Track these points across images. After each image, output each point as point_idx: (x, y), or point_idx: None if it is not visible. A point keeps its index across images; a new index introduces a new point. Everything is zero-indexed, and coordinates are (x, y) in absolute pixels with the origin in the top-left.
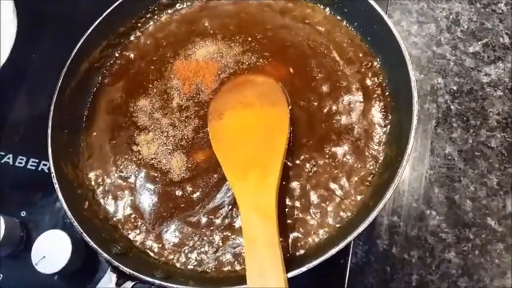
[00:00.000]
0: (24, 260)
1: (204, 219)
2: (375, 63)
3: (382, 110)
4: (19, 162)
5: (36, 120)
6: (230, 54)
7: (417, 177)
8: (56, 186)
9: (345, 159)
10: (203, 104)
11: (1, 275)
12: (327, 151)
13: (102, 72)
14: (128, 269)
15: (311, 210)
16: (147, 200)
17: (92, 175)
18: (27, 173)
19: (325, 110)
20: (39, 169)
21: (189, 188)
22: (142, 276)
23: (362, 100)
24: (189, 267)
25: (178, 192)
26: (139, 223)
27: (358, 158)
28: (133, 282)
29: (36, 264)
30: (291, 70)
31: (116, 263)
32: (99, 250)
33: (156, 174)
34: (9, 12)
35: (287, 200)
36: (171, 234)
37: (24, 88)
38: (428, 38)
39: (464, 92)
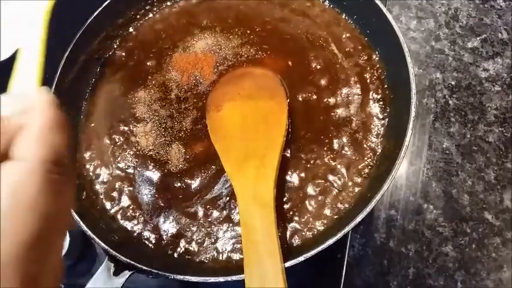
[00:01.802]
0: None
1: (202, 210)
2: (374, 57)
3: (381, 103)
4: None
5: None
6: (229, 46)
7: (415, 172)
8: None
9: (343, 151)
10: (201, 95)
11: None
12: (325, 143)
13: (101, 64)
14: (125, 259)
15: (309, 202)
16: (145, 191)
17: (90, 166)
18: None
19: (324, 103)
20: None
21: (187, 179)
22: (140, 265)
23: (360, 93)
24: (187, 257)
25: (177, 183)
26: (137, 214)
27: (356, 150)
28: (131, 272)
29: None
30: (290, 63)
31: (114, 253)
32: (97, 240)
33: (154, 165)
34: None
35: (285, 191)
36: (169, 225)
37: None
38: (427, 33)
39: (463, 87)
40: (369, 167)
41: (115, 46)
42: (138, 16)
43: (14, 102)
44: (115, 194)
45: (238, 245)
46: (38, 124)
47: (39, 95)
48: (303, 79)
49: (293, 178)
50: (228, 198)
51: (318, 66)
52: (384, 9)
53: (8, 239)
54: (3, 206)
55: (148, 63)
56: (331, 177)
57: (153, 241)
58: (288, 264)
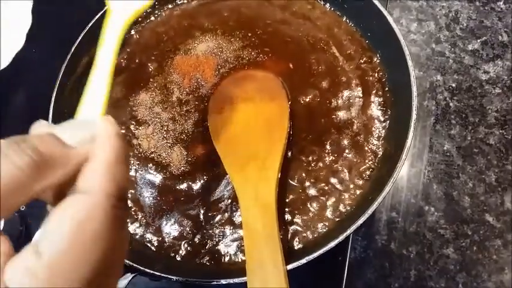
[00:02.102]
0: None
1: (203, 213)
2: (375, 59)
3: (382, 106)
4: None
5: (37, 114)
6: (230, 49)
7: (416, 174)
8: None
9: (344, 153)
10: (203, 98)
11: None
12: (327, 145)
13: None
14: (127, 261)
15: (310, 204)
16: (147, 193)
17: None
18: None
19: (325, 105)
20: None
21: (189, 182)
22: (142, 268)
23: (361, 95)
24: (189, 259)
25: (178, 186)
26: (139, 216)
27: (357, 153)
28: (133, 274)
29: None
30: (291, 65)
31: None
32: None
33: (156, 168)
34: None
35: (286, 193)
36: (171, 227)
37: (24, 83)
38: (428, 35)
39: (463, 89)
40: (370, 169)
41: None
42: (139, 19)
43: (81, 130)
44: None
45: (240, 247)
46: (104, 156)
47: (105, 124)
48: (304, 82)
49: (294, 180)
50: (229, 201)
51: (319, 69)
52: (385, 12)
53: (69, 274)
54: (66, 240)
55: (149, 66)
56: (332, 180)
57: (155, 243)
58: (290, 266)
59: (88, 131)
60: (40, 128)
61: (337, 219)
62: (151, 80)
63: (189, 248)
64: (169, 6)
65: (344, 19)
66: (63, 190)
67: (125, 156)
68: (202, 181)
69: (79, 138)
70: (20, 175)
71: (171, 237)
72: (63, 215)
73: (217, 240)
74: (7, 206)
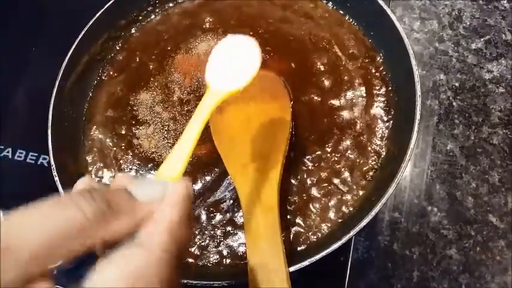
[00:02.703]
0: None
1: (205, 214)
2: (378, 58)
3: (385, 105)
4: (18, 156)
5: (36, 114)
6: None
7: (419, 174)
8: (56, 179)
9: (347, 153)
10: None
11: None
12: (329, 145)
13: (103, 65)
14: None
15: (313, 205)
16: None
17: (92, 168)
18: (27, 167)
19: (328, 105)
20: (39, 163)
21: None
22: None
23: (364, 95)
24: (190, 261)
25: None
26: None
27: (360, 153)
28: None
29: None
30: (293, 65)
31: None
32: None
33: (156, 168)
34: None
35: (289, 194)
36: None
37: (24, 81)
38: (431, 34)
39: (467, 88)
40: (374, 170)
41: (117, 48)
42: (140, 17)
43: (153, 188)
44: None
45: (242, 249)
46: (171, 216)
47: (178, 187)
48: (307, 81)
49: (297, 181)
50: (231, 201)
51: (322, 68)
52: (388, 10)
53: None
54: (120, 285)
55: (150, 65)
56: (335, 180)
57: None
58: (292, 268)
59: (159, 191)
60: (120, 178)
61: (340, 221)
62: (152, 79)
63: (190, 249)
64: (171, 4)
65: (347, 18)
66: (114, 240)
67: (190, 218)
68: (203, 181)
69: (149, 196)
70: (84, 222)
71: None
72: (119, 263)
73: (218, 241)
74: (60, 251)
